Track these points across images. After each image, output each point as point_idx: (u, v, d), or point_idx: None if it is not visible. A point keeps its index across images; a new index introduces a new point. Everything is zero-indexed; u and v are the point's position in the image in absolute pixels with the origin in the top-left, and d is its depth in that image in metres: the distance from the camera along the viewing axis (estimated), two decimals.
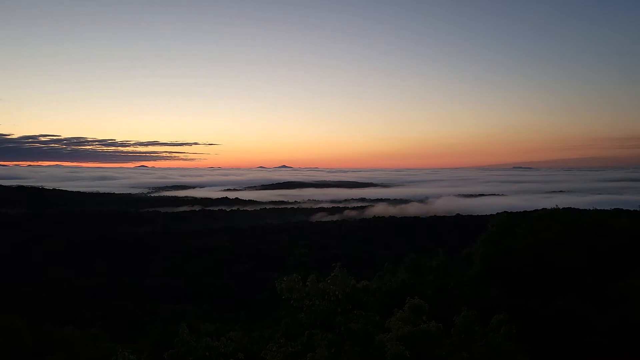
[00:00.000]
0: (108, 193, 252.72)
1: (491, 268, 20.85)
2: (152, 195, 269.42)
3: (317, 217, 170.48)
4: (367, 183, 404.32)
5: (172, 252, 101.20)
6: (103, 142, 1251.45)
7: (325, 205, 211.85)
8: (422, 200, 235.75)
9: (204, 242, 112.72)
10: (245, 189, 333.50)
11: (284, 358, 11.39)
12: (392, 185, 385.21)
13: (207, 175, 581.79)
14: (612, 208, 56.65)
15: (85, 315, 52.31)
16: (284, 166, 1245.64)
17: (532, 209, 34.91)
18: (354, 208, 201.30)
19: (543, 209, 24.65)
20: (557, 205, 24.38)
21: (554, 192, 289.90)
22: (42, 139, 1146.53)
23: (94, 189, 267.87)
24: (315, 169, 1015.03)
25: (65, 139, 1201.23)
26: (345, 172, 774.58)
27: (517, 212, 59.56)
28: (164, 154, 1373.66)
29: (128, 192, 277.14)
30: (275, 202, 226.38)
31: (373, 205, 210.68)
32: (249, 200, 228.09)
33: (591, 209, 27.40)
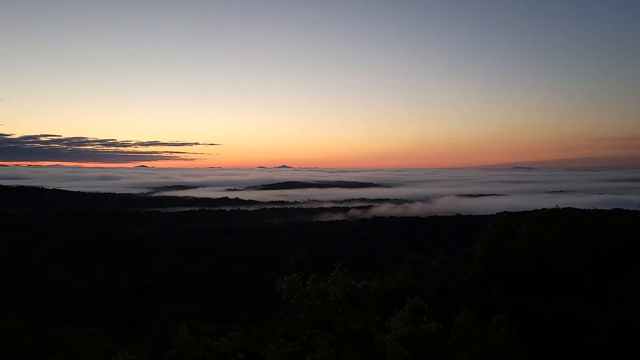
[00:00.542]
0: (108, 193, 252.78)
1: (491, 268, 20.85)
2: (152, 195, 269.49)
3: (317, 217, 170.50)
4: (368, 183, 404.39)
5: (172, 252, 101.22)
6: (104, 142, 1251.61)
7: (326, 205, 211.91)
8: (423, 200, 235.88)
9: (204, 242, 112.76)
10: (245, 189, 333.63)
11: (284, 358, 11.39)
12: (393, 185, 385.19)
13: (207, 175, 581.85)
14: (612, 208, 56.64)
15: (85, 315, 52.31)
16: (284, 166, 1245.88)
17: (532, 209, 34.88)
18: (354, 208, 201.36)
19: (543, 209, 24.63)
20: (557, 205, 24.37)
21: (554, 192, 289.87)
22: (43, 139, 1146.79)
23: (95, 189, 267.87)
24: (316, 169, 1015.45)
25: (66, 139, 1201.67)
26: (346, 172, 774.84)
27: (517, 212, 59.59)
28: (165, 154, 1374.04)
29: (128, 192, 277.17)
30: (276, 202, 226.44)
31: (373, 205, 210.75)
32: (249, 200, 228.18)
33: (591, 209, 27.39)
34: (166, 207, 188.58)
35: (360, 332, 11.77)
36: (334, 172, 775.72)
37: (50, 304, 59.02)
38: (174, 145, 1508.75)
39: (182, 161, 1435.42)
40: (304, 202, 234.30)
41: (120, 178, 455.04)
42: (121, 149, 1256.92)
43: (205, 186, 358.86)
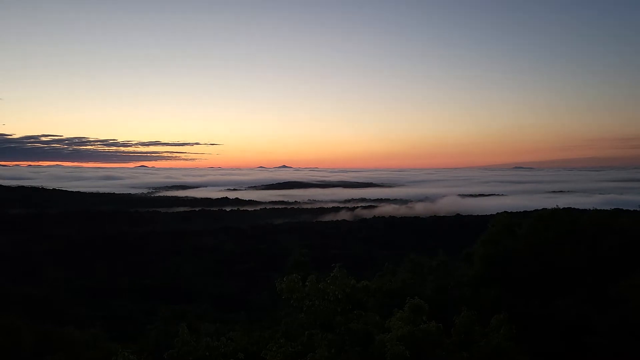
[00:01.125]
0: (108, 193, 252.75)
1: (491, 268, 20.85)
2: (153, 195, 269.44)
3: (317, 217, 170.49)
4: (368, 183, 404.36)
5: (172, 252, 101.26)
6: (105, 142, 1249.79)
7: (326, 206, 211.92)
8: (423, 200, 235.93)
9: (204, 242, 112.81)
10: (245, 189, 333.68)
11: (284, 358, 11.39)
12: (393, 185, 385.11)
13: (208, 175, 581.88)
14: (613, 208, 56.59)
15: (85, 315, 52.28)
16: (284, 166, 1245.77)
17: (533, 209, 34.87)
18: (354, 208, 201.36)
19: (543, 209, 24.59)
20: (557, 205, 24.35)
21: (554, 192, 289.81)
22: (44, 139, 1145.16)
23: (95, 189, 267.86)
24: (316, 169, 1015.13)
25: (67, 139, 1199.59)
26: (346, 172, 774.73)
27: (517, 212, 59.57)
28: (166, 154, 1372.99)
29: (128, 192, 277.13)
30: (276, 202, 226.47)
31: (373, 206, 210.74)
32: (249, 200, 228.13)
33: (591, 209, 27.35)
34: (166, 207, 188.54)
35: (360, 332, 11.77)
36: (334, 172, 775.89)
37: (50, 304, 58.99)
38: (175, 145, 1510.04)
39: (182, 161, 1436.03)
40: (304, 202, 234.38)
41: (122, 178, 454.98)
42: (122, 149, 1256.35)
43: (205, 186, 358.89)
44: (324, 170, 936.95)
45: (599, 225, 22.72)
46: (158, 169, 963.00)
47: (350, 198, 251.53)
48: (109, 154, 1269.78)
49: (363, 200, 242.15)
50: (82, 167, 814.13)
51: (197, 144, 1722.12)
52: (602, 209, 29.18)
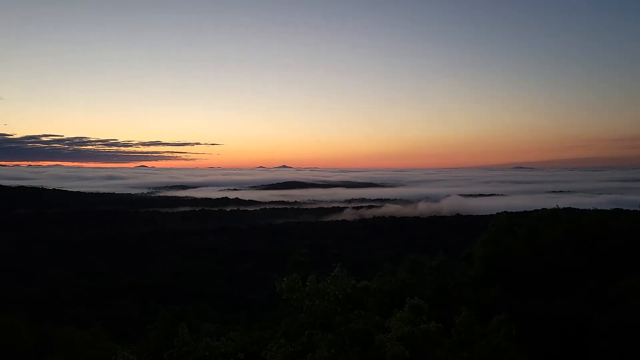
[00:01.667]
0: (108, 193, 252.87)
1: (491, 268, 20.85)
2: (153, 195, 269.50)
3: (317, 217, 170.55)
4: (368, 183, 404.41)
5: (172, 252, 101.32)
6: (105, 142, 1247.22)
7: (326, 206, 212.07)
8: (423, 200, 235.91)
9: (204, 242, 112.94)
10: (245, 189, 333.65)
11: (284, 358, 11.39)
12: (393, 185, 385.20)
13: (208, 175, 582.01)
14: (612, 208, 56.57)
15: (85, 315, 52.29)
16: (284, 166, 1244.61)
17: (533, 209, 34.88)
18: (354, 208, 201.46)
19: (543, 209, 24.62)
20: (557, 205, 24.36)
21: (554, 192, 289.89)
22: (45, 138, 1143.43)
23: (96, 189, 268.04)
24: (316, 169, 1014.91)
25: (68, 139, 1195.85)
26: (346, 172, 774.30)
27: (517, 212, 59.55)
28: (166, 154, 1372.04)
29: (128, 192, 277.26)
30: (276, 202, 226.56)
31: (374, 206, 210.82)
32: (249, 200, 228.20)
33: (591, 209, 27.37)
34: (166, 207, 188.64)
35: (360, 332, 11.77)
36: (334, 172, 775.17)
37: (50, 304, 59.06)
38: (176, 145, 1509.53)
39: (183, 161, 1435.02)
40: (304, 202, 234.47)
41: (124, 178, 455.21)
42: (122, 149, 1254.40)
43: (205, 186, 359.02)
44: (324, 170, 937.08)
45: (599, 225, 22.73)
46: (158, 169, 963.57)
47: (350, 198, 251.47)
48: (110, 153, 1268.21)
49: (363, 200, 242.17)
50: (82, 167, 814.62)
51: (197, 144, 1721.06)
52: (602, 209, 29.21)
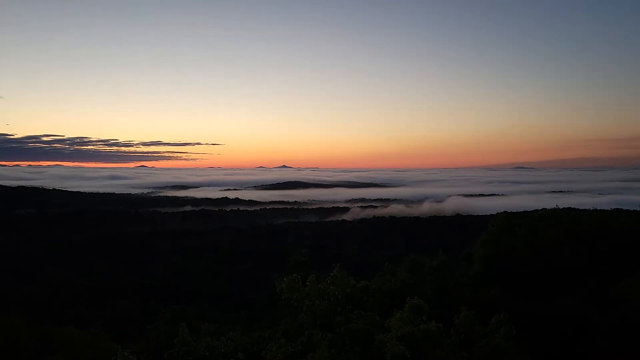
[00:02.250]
0: (108, 193, 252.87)
1: (491, 268, 20.87)
2: (153, 195, 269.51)
3: (317, 217, 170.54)
4: (368, 183, 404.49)
5: (172, 252, 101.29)
6: (106, 142, 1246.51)
7: (326, 206, 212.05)
8: (423, 200, 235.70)
9: (204, 242, 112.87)
10: (245, 189, 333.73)
11: (284, 358, 11.39)
12: (393, 185, 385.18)
13: (208, 175, 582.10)
14: (612, 208, 56.60)
15: (85, 315, 52.28)
16: (284, 166, 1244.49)
17: (533, 209, 34.89)
18: (354, 208, 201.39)
19: (543, 209, 24.65)
20: (557, 205, 24.38)
21: (555, 192, 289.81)
22: (45, 138, 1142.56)
23: (96, 189, 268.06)
24: (316, 169, 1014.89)
25: (69, 139, 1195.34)
26: (346, 172, 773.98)
27: (517, 212, 59.55)
28: (167, 154, 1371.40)
29: (128, 192, 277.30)
30: (275, 202, 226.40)
31: (374, 206, 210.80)
32: (249, 200, 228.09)
33: (591, 209, 27.38)
34: (166, 207, 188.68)
35: (360, 332, 11.77)
36: (335, 172, 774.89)
37: (50, 304, 59.04)
38: (176, 145, 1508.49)
39: (183, 161, 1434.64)
40: (304, 202, 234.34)
41: (126, 178, 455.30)
42: (123, 149, 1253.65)
43: (205, 186, 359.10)
44: (324, 170, 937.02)
45: (599, 225, 22.75)
46: (158, 169, 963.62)
47: (350, 198, 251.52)
48: (110, 153, 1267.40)
49: (363, 200, 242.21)
50: (83, 167, 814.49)
51: (198, 144, 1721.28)
52: (603, 209, 29.22)
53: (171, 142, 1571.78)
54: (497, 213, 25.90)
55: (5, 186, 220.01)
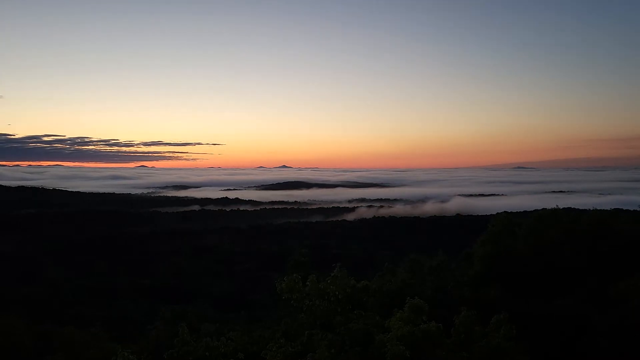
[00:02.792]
0: (108, 193, 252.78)
1: (491, 268, 20.85)
2: (153, 195, 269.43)
3: (318, 217, 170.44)
4: (368, 183, 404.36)
5: (172, 252, 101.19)
6: (107, 142, 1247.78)
7: (326, 206, 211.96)
8: (424, 200, 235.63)
9: (204, 242, 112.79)
10: (245, 189, 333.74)
11: (284, 358, 11.39)
12: (393, 186, 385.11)
13: (208, 175, 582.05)
14: (613, 208, 56.49)
15: (85, 315, 52.26)
16: (284, 166, 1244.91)
17: (533, 209, 34.86)
18: (354, 208, 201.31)
19: (543, 209, 24.61)
20: (557, 206, 24.36)
21: (555, 192, 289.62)
22: (46, 138, 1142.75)
23: (96, 189, 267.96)
24: (316, 169, 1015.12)
25: (69, 139, 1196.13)
26: (346, 172, 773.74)
27: (517, 212, 59.49)
28: (167, 154, 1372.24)
29: (128, 192, 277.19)
30: (276, 202, 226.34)
31: (374, 206, 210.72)
32: (249, 200, 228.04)
33: (591, 209, 27.35)
34: (166, 207, 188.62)
35: (360, 332, 11.77)
36: (335, 172, 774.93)
37: (50, 304, 59.01)
38: (177, 145, 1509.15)
39: (184, 161, 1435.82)
40: (304, 202, 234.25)
41: (128, 178, 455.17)
42: (124, 149, 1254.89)
43: (205, 186, 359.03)
44: (324, 170, 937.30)
45: (599, 225, 22.72)
46: (159, 169, 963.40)
47: (350, 198, 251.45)
48: (111, 154, 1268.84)
49: (363, 200, 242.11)
50: (83, 167, 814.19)
51: (198, 144, 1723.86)
52: (603, 209, 29.18)
53: (172, 142, 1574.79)
54: (497, 213, 25.87)
55: (6, 186, 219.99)
